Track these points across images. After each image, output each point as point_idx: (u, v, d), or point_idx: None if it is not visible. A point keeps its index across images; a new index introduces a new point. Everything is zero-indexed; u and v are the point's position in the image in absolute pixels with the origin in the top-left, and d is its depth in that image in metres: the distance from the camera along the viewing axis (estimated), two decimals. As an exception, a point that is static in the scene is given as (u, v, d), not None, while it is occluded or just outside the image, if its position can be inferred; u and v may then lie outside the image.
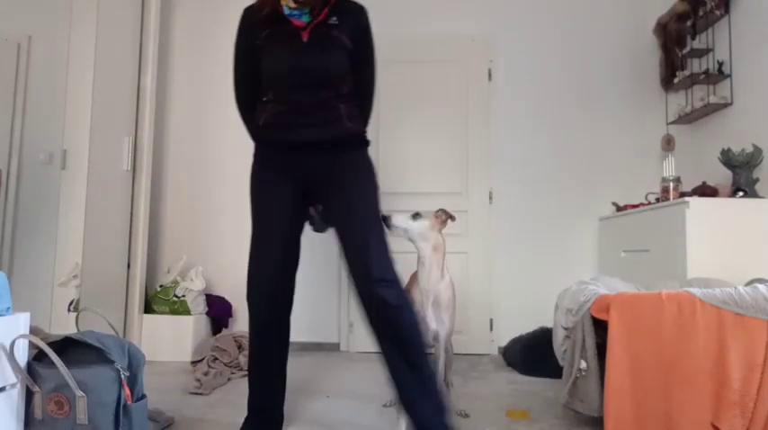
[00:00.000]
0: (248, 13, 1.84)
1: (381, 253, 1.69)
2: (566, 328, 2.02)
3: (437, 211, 1.97)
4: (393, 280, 1.67)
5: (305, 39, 1.73)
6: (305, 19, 1.74)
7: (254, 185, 1.86)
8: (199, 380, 2.57)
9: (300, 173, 1.78)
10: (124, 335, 3.19)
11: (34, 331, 1.83)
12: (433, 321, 1.87)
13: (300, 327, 2.82)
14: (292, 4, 1.73)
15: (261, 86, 1.82)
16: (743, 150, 2.85)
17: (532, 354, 3.02)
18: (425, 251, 1.89)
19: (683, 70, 3.59)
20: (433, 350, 1.89)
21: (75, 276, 3.24)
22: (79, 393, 1.45)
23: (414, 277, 1.99)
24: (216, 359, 2.95)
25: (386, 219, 1.81)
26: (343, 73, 1.78)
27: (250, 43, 1.80)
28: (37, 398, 1.49)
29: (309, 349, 3.66)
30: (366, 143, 1.87)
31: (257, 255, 1.80)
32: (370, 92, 1.92)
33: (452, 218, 1.98)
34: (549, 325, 2.92)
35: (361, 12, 1.84)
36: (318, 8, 1.75)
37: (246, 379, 1.85)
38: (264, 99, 1.81)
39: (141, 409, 1.61)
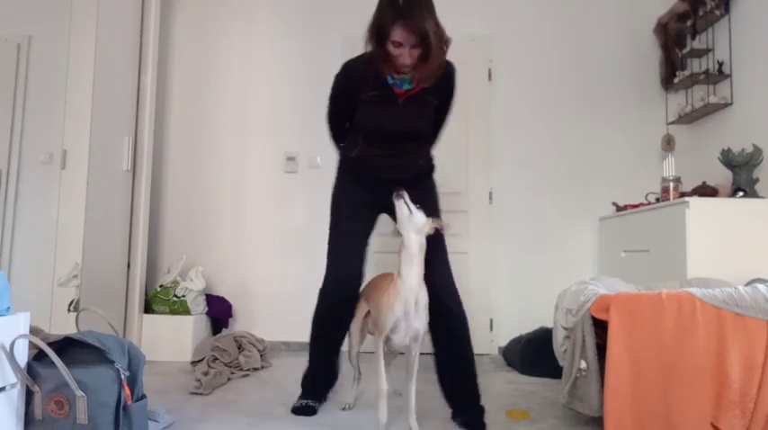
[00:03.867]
0: (350, 69, 2.08)
1: (444, 269, 2.06)
2: (566, 328, 2.02)
3: (432, 219, 1.96)
4: (454, 292, 2.06)
5: (400, 102, 2.02)
6: (405, 87, 2.00)
7: (340, 199, 2.18)
8: (199, 380, 2.57)
9: (381, 197, 2.07)
10: (124, 336, 3.19)
11: (34, 331, 1.83)
12: (416, 320, 1.86)
13: (301, 327, 2.82)
14: (396, 75, 1.97)
15: (352, 123, 2.14)
16: (743, 150, 2.85)
17: (532, 354, 3.02)
18: (414, 248, 1.86)
19: (683, 70, 3.59)
20: (413, 352, 1.92)
21: (75, 276, 3.24)
22: (79, 393, 1.45)
23: (376, 282, 2.05)
24: (216, 359, 2.95)
25: (400, 195, 1.89)
26: (428, 128, 2.14)
27: (351, 96, 2.07)
28: (37, 398, 1.49)
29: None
30: (432, 172, 2.23)
31: (340, 258, 2.12)
32: (443, 125, 2.28)
33: (440, 228, 2.00)
34: (549, 325, 2.92)
35: (452, 75, 2.09)
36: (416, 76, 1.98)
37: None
38: (355, 135, 2.13)
39: (141, 409, 1.61)
